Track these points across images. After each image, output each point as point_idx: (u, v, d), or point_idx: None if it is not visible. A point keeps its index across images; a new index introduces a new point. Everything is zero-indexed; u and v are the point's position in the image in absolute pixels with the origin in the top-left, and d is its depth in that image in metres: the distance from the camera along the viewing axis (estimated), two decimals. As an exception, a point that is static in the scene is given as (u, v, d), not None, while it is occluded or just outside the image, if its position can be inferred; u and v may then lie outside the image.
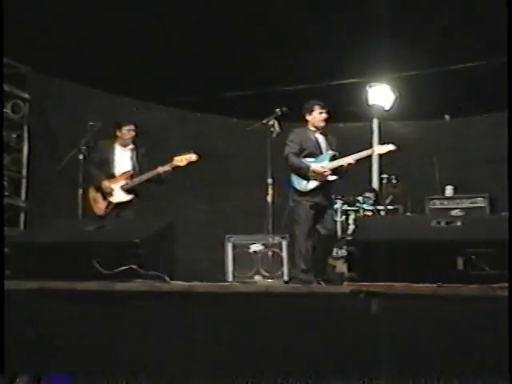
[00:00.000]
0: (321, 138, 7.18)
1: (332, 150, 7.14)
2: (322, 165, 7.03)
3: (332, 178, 7.01)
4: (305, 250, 6.94)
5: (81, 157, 7.25)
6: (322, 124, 7.17)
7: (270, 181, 7.29)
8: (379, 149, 7.28)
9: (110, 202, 7.39)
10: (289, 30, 8.48)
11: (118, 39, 8.42)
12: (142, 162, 7.55)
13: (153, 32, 8.43)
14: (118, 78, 8.81)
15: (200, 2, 8.15)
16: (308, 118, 7.18)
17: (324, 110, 7.15)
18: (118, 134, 7.53)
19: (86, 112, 8.63)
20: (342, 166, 7.02)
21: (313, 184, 6.98)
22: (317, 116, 7.15)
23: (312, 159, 7.06)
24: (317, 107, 7.17)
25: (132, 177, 7.45)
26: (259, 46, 8.67)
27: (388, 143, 7.24)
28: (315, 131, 7.16)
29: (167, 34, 8.48)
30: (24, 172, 8.93)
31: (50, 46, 8.21)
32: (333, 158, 7.08)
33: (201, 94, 9.40)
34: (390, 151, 7.18)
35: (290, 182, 7.04)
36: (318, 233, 6.95)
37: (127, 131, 7.52)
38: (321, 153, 7.12)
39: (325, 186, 7.05)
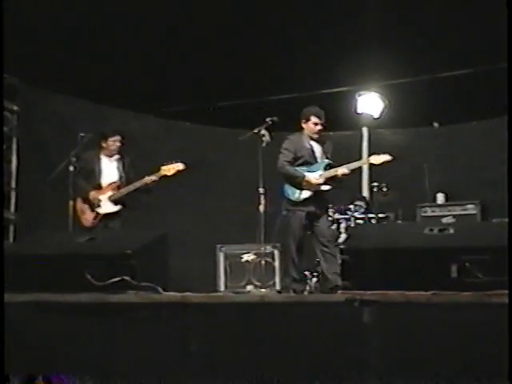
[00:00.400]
0: (316, 146, 7.15)
1: (327, 158, 7.12)
2: (316, 174, 7.01)
3: (326, 187, 6.99)
4: (297, 260, 6.93)
5: (71, 168, 7.20)
6: (316, 135, 7.13)
7: (261, 190, 7.26)
8: (375, 159, 7.19)
9: (98, 213, 7.35)
10: (278, 39, 8.49)
11: (107, 50, 8.39)
12: (128, 172, 7.53)
13: (142, 42, 8.42)
14: (107, 89, 8.78)
15: (189, 13, 8.14)
16: (303, 125, 7.14)
17: (319, 122, 7.08)
18: (104, 144, 7.49)
19: (75, 123, 8.58)
20: (336, 175, 7.00)
21: (306, 194, 6.97)
22: (311, 126, 7.10)
23: (306, 168, 7.05)
24: (313, 117, 7.10)
25: (119, 187, 7.42)
26: (249, 56, 8.67)
27: (384, 153, 7.15)
28: (310, 139, 7.13)
29: (157, 44, 8.48)
30: (13, 184, 8.88)
31: (39, 58, 8.18)
32: (327, 167, 7.05)
33: (191, 103, 9.39)
34: (385, 161, 7.12)
35: (283, 192, 7.03)
36: (317, 242, 6.96)
37: (113, 142, 7.48)
38: (315, 161, 7.10)
39: (319, 194, 7.04)
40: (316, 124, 7.09)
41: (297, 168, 7.08)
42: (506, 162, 8.52)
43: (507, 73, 4.42)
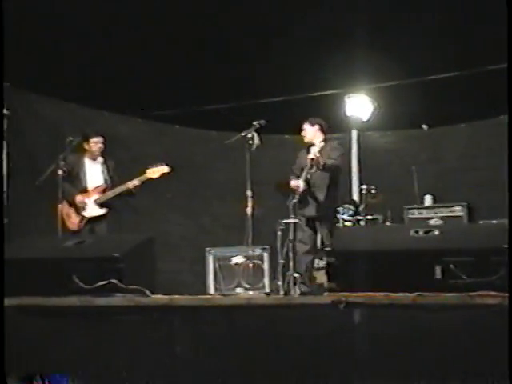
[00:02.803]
0: (311, 152, 7.26)
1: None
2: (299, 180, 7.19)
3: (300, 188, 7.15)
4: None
5: (60, 172, 7.18)
6: (307, 141, 7.36)
7: (249, 193, 7.32)
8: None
9: (84, 217, 7.35)
10: (267, 42, 8.52)
11: (96, 53, 8.41)
12: (113, 175, 7.52)
13: (131, 45, 8.43)
14: (96, 93, 8.79)
15: (179, 16, 8.17)
16: None
17: (304, 128, 7.38)
18: (86, 146, 7.47)
19: (64, 127, 8.60)
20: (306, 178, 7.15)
21: (295, 199, 7.08)
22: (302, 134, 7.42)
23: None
24: (304, 125, 7.42)
25: (105, 190, 7.42)
26: (237, 59, 8.70)
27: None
28: (310, 147, 7.30)
29: (145, 47, 8.49)
30: (4, 188, 8.87)
31: (28, 62, 8.18)
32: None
33: (179, 107, 9.41)
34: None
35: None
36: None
37: (94, 143, 7.45)
38: None
39: (306, 199, 7.17)
40: (301, 130, 7.40)
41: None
42: (494, 165, 8.63)
43: (507, 73, 4.46)
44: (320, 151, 7.16)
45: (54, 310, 4.66)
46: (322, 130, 7.42)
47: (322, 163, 7.06)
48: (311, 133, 7.40)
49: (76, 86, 8.61)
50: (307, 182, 7.19)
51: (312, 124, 7.41)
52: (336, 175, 7.29)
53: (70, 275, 4.90)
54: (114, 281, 4.84)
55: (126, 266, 4.93)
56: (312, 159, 7.08)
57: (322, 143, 7.34)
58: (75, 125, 8.63)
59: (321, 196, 7.22)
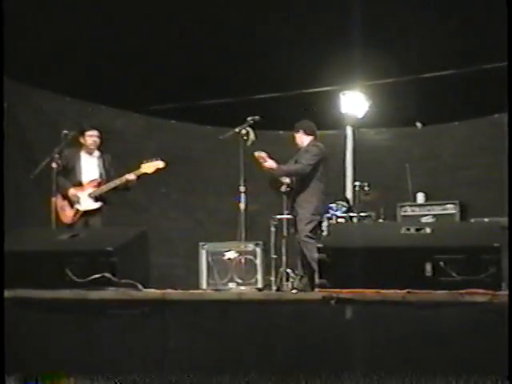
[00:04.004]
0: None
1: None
2: None
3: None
4: None
5: (54, 165, 7.20)
6: (299, 147, 7.52)
7: (242, 189, 7.36)
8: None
9: (78, 210, 7.37)
10: (262, 38, 8.54)
11: (93, 47, 8.42)
12: (108, 169, 7.54)
13: (128, 40, 8.45)
14: (93, 86, 8.81)
15: (175, 12, 8.19)
16: None
17: (294, 137, 7.56)
18: (82, 140, 7.48)
19: (60, 120, 8.61)
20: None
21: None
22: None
23: None
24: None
25: (99, 184, 7.44)
26: (233, 55, 8.72)
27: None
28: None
29: (143, 42, 8.51)
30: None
31: (25, 55, 8.19)
32: None
33: (176, 101, 9.43)
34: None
35: None
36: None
37: (89, 137, 7.46)
38: None
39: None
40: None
41: None
42: (487, 163, 8.68)
43: (507, 73, 4.49)
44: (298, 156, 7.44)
45: (46, 303, 4.68)
46: (306, 133, 7.51)
47: (276, 172, 7.44)
48: (299, 139, 7.52)
49: (73, 79, 8.62)
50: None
51: (297, 131, 7.52)
52: (302, 178, 7.35)
53: (62, 268, 4.93)
54: (107, 274, 4.86)
55: (118, 260, 4.95)
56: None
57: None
58: (72, 118, 8.64)
59: (291, 198, 7.45)
